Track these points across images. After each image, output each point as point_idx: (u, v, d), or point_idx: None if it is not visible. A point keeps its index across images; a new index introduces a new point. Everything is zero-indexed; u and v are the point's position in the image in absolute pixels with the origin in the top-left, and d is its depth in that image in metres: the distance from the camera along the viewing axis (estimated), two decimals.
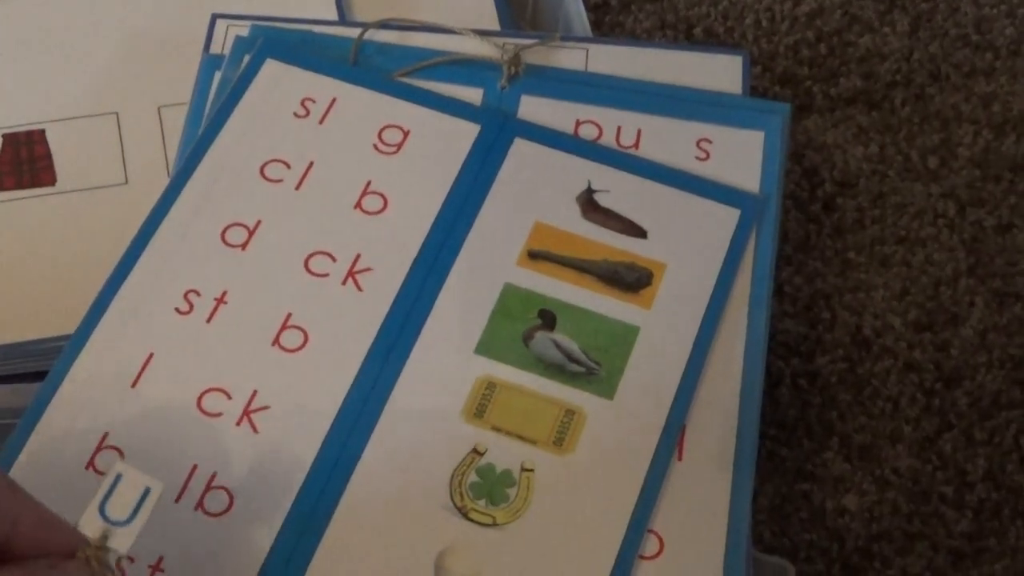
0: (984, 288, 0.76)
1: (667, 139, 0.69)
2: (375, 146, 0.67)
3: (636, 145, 0.69)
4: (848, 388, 0.72)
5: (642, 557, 0.57)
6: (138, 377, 0.59)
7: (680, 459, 0.60)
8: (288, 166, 0.66)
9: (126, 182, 0.71)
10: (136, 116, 0.73)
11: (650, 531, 0.58)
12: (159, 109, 0.73)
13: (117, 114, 0.73)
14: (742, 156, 0.69)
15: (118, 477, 0.47)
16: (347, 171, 0.66)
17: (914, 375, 0.73)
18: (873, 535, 0.69)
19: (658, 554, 0.58)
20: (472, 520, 0.57)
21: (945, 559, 0.68)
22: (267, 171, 0.66)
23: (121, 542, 0.46)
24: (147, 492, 0.47)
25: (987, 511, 0.70)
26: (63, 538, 0.45)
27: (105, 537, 0.46)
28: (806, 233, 0.77)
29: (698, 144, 0.69)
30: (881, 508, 0.69)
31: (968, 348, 0.74)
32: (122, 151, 0.72)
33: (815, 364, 0.73)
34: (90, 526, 0.46)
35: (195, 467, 0.58)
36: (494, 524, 0.57)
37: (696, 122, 0.70)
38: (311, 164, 0.66)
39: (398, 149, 0.67)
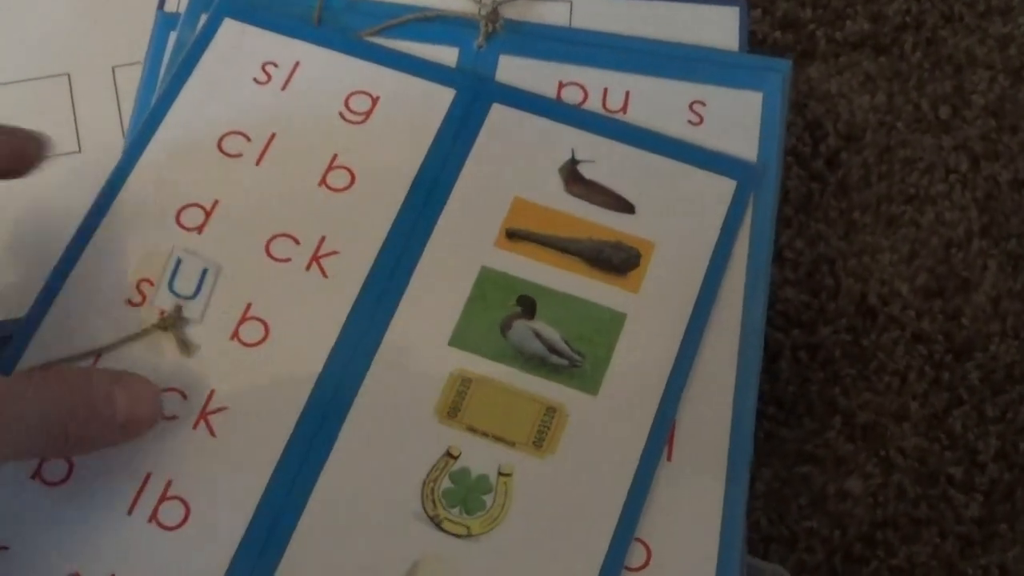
0: (998, 250, 0.71)
1: (658, 102, 0.64)
2: (341, 115, 0.62)
3: (624, 109, 0.64)
4: (852, 362, 0.68)
5: (628, 568, 0.54)
6: None
7: (669, 459, 0.56)
8: (248, 139, 0.61)
9: (79, 150, 0.66)
10: (89, 78, 0.68)
11: (636, 539, 0.54)
12: (114, 69, 0.68)
13: (68, 75, 0.68)
14: (739, 119, 0.64)
15: (179, 260, 0.57)
16: (311, 143, 0.61)
17: (922, 347, 0.69)
18: (877, 521, 0.65)
19: (645, 565, 0.54)
20: (445, 530, 0.54)
21: (953, 546, 0.65)
22: (225, 145, 0.61)
23: (193, 312, 0.56)
24: (205, 271, 0.57)
25: (998, 494, 0.66)
26: None
27: (179, 308, 0.56)
28: (808, 192, 0.72)
29: (691, 107, 0.64)
30: (886, 492, 0.66)
31: (980, 316, 0.70)
32: (74, 116, 0.67)
33: (817, 336, 0.69)
34: (164, 301, 0.57)
35: (149, 475, 0.54)
36: (469, 535, 0.54)
37: (689, 82, 0.64)
38: (272, 136, 0.61)
39: (366, 118, 0.62)
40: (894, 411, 0.67)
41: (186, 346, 0.56)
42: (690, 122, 0.63)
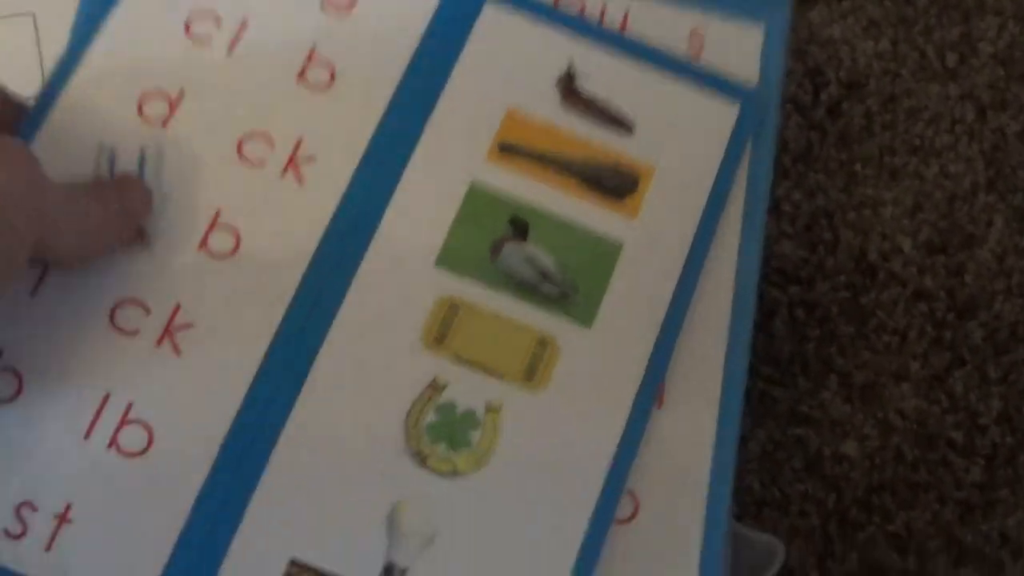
0: (1004, 204, 0.68)
1: (656, 28, 0.59)
2: (322, 1, 0.57)
3: (622, 30, 0.59)
4: (850, 319, 0.65)
5: (615, 520, 0.50)
6: (39, 282, 0.50)
7: (660, 407, 0.52)
8: (218, 23, 0.56)
9: None
10: (55, 17, 0.64)
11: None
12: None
13: (33, 15, 0.64)
14: (738, 53, 0.59)
15: (112, 150, 0.52)
16: (289, 32, 0.56)
17: (923, 304, 0.65)
18: (874, 485, 0.62)
19: (632, 517, 0.51)
20: (430, 468, 0.49)
21: (953, 512, 0.62)
22: (194, 28, 0.55)
23: None
24: (143, 152, 0.52)
25: (1000, 458, 0.63)
26: None
27: None
28: (808, 142, 0.69)
29: (690, 36, 0.59)
30: (883, 455, 0.62)
31: (984, 273, 0.66)
32: (40, 58, 0.63)
33: (814, 292, 0.65)
34: None
35: (107, 397, 0.49)
36: (455, 472, 0.49)
37: (690, 11, 0.60)
38: (246, 21, 0.56)
39: (350, 7, 0.57)
40: (893, 371, 0.64)
41: (139, 232, 0.51)
42: (689, 52, 0.59)
